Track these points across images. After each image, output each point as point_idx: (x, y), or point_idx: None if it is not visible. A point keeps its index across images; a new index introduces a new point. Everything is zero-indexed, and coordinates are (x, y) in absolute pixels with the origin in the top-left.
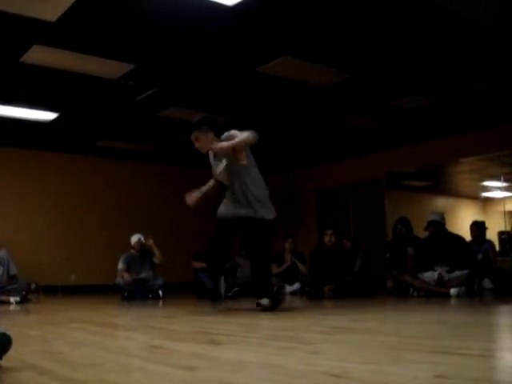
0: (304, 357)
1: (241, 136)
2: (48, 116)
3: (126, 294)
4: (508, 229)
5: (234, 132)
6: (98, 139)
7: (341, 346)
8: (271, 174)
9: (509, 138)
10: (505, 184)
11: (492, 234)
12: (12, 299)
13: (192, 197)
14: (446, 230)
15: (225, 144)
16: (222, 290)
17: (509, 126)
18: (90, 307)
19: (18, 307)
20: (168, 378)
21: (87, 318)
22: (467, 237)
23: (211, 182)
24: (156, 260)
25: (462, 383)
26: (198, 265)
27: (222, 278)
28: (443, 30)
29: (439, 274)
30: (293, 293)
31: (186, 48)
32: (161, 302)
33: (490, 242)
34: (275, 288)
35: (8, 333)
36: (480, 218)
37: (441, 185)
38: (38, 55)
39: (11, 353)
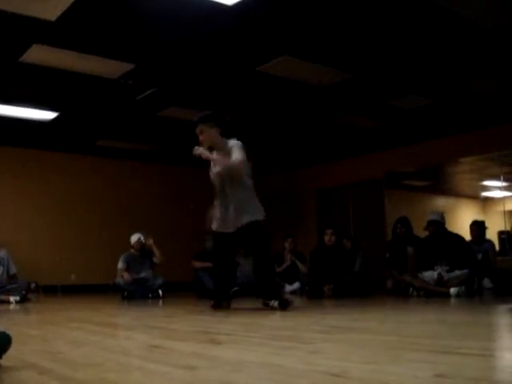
0: (304, 356)
1: (234, 158)
2: (48, 115)
3: (125, 293)
4: (508, 228)
5: (232, 145)
6: (98, 139)
7: (340, 346)
8: (271, 174)
9: (509, 138)
10: (504, 184)
11: (492, 234)
12: (12, 299)
13: (201, 149)
14: (445, 229)
15: (219, 161)
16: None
17: (509, 126)
18: (89, 307)
19: (18, 307)
20: (168, 377)
21: (87, 317)
22: (467, 236)
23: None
24: (156, 260)
25: (462, 383)
26: (198, 264)
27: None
28: (443, 30)
29: (439, 274)
30: (292, 292)
31: (185, 48)
32: (161, 302)
33: (490, 242)
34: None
35: (8, 332)
36: (480, 218)
37: (441, 184)
38: (38, 55)
39: (11, 352)
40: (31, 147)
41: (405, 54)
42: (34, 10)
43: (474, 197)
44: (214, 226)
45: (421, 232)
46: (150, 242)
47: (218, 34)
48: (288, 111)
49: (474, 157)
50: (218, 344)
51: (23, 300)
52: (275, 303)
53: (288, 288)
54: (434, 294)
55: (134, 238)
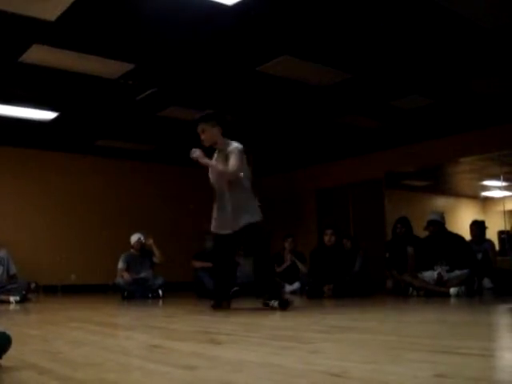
0: (303, 356)
1: (230, 166)
2: (48, 115)
3: (125, 293)
4: (508, 228)
5: (232, 149)
6: (98, 139)
7: (340, 346)
8: (271, 174)
9: (509, 138)
10: (504, 183)
11: (492, 234)
12: (12, 299)
13: (198, 153)
14: (445, 229)
15: (217, 167)
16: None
17: (509, 126)
18: (89, 307)
19: (18, 307)
20: (168, 377)
21: (87, 317)
22: (467, 236)
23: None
24: (156, 259)
25: (462, 382)
26: (198, 264)
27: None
28: (443, 30)
29: (439, 274)
30: (292, 292)
31: (185, 48)
32: (161, 302)
33: (490, 242)
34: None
35: (8, 332)
36: (480, 218)
37: (441, 184)
38: (38, 55)
39: (11, 352)
40: (31, 147)
41: (405, 53)
42: (33, 10)
43: (474, 197)
44: (212, 227)
45: (421, 232)
46: (150, 241)
47: (218, 33)
48: (288, 111)
49: (474, 157)
50: (218, 344)
51: (23, 300)
52: (275, 303)
53: (288, 288)
54: (434, 294)
55: (134, 237)
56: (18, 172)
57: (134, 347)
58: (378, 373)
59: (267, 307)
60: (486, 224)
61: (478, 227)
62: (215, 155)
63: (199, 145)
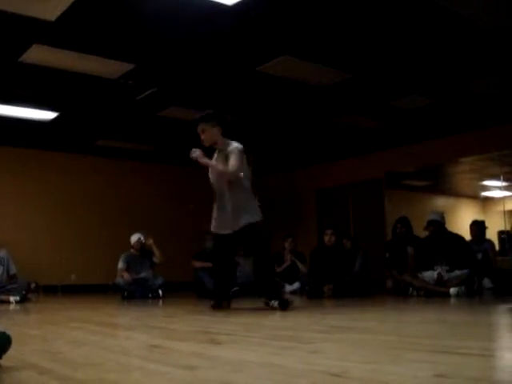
0: (303, 356)
1: (230, 166)
2: (48, 115)
3: (125, 293)
4: (508, 228)
5: (232, 149)
6: (98, 139)
7: (340, 346)
8: (271, 174)
9: (509, 138)
10: (504, 183)
11: (492, 234)
12: (12, 299)
13: (198, 153)
14: (445, 229)
15: (217, 167)
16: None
17: (509, 126)
18: (89, 307)
19: (18, 307)
20: (168, 377)
21: (87, 317)
22: (467, 236)
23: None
24: (156, 259)
25: (462, 382)
26: (198, 264)
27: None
28: (443, 30)
29: (439, 274)
30: (292, 292)
31: (185, 48)
32: (161, 302)
33: (490, 242)
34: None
35: (8, 332)
36: (480, 218)
37: (441, 184)
38: (38, 55)
39: (11, 352)
40: (31, 147)
41: (405, 53)
42: (33, 10)
43: (474, 197)
44: (212, 227)
45: (421, 232)
46: (150, 241)
47: (218, 34)
48: (288, 111)
49: (474, 157)
50: (218, 344)
51: (23, 300)
52: (275, 303)
53: (288, 288)
54: (434, 294)
55: (134, 237)
56: (18, 172)
57: (133, 347)
58: (378, 373)
59: (267, 307)
60: (486, 224)
61: (478, 227)
62: (215, 155)
63: (199, 145)
